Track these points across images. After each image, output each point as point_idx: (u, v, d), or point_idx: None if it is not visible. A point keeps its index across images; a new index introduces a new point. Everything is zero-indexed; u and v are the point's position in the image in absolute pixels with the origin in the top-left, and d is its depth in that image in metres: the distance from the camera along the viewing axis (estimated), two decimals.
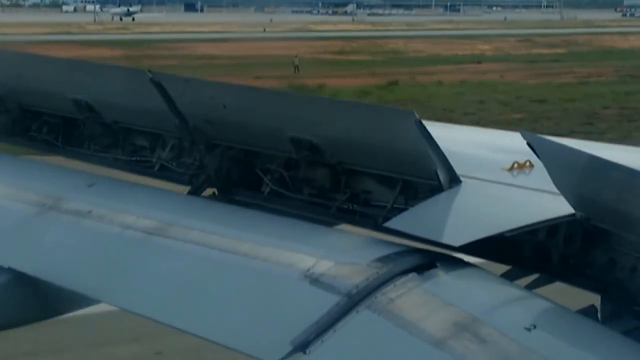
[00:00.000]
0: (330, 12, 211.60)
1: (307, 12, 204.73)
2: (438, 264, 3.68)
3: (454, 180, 4.16)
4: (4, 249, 4.73)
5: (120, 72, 5.88)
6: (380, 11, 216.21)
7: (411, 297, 3.51)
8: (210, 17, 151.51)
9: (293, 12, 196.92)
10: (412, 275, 3.60)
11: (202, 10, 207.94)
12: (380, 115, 4.41)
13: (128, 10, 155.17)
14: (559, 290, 4.12)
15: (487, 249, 3.92)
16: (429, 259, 3.72)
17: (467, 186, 4.17)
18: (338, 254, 3.86)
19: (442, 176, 4.13)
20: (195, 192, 5.11)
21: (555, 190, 3.89)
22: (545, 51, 65.18)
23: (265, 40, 70.94)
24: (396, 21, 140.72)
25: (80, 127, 6.01)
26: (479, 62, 50.13)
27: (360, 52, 60.41)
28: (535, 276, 4.20)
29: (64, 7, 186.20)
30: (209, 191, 5.13)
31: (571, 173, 3.80)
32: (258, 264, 3.93)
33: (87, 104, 5.71)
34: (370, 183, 4.56)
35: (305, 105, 4.81)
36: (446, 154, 4.11)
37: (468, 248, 3.74)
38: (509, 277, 4.09)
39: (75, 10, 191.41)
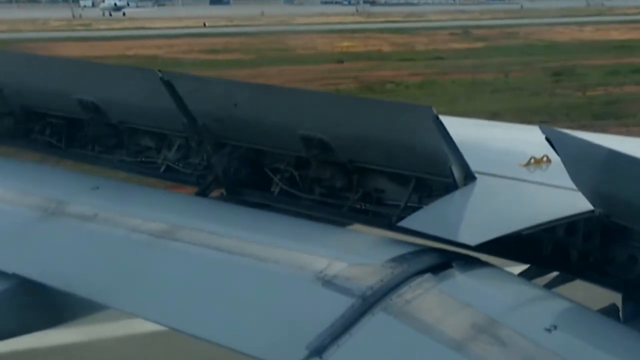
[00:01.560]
0: (362, 1, 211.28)
1: (336, 3, 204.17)
2: (454, 264, 3.70)
3: (469, 177, 4.18)
4: (7, 254, 4.74)
5: (129, 71, 5.90)
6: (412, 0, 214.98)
7: (427, 298, 3.52)
8: (220, 10, 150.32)
9: (322, 3, 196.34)
10: (427, 275, 3.62)
11: (228, 3, 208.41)
12: (396, 111, 4.43)
13: (115, 4, 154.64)
14: (579, 289, 4.15)
15: (504, 247, 3.94)
16: (444, 258, 3.74)
17: (482, 183, 4.20)
18: (351, 255, 3.89)
19: (456, 173, 4.15)
20: (203, 193, 5.14)
21: (574, 186, 3.90)
22: (455, 45, 61.15)
23: (169, 38, 68.30)
24: (406, 12, 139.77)
25: (84, 128, 6.06)
26: (340, 62, 47.95)
27: (239, 50, 57.62)
28: (554, 275, 4.22)
29: (82, 2, 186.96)
30: (217, 192, 5.17)
31: (589, 168, 3.81)
32: (269, 266, 3.95)
33: (94, 104, 5.76)
34: (383, 181, 4.59)
35: (317, 102, 4.83)
36: (461, 149, 4.13)
37: (484, 247, 3.75)
38: (527, 276, 4.11)
39: (93, 5, 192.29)
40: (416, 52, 55.05)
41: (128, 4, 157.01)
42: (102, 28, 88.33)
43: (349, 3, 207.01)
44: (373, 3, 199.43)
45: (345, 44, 60.12)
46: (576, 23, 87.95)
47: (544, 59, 46.29)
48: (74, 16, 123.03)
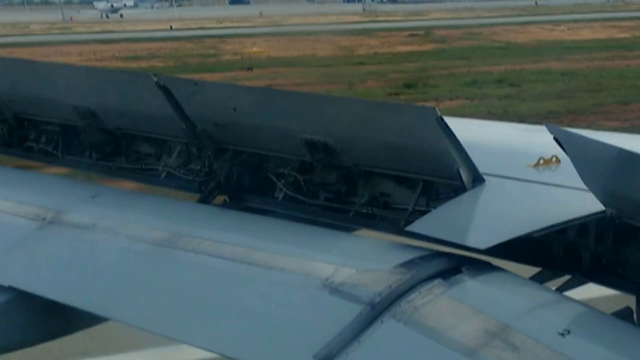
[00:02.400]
0: (385, 0, 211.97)
1: (359, 1, 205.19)
2: (464, 269, 3.71)
3: (478, 179, 4.18)
4: (3, 266, 4.74)
5: (123, 76, 5.89)
6: None
7: (437, 304, 3.52)
8: (227, 11, 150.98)
9: (345, 1, 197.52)
10: (437, 281, 3.62)
11: (249, 3, 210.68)
12: (399, 113, 4.42)
13: (112, 5, 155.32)
14: (592, 292, 4.14)
15: (514, 250, 3.95)
16: (454, 263, 3.74)
17: (491, 185, 4.20)
18: (358, 261, 3.89)
19: (464, 175, 4.15)
20: (205, 199, 5.15)
21: (584, 186, 3.90)
22: (400, 48, 60.46)
23: (116, 42, 67.76)
24: (411, 10, 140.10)
25: (81, 135, 6.03)
26: (249, 69, 47.41)
27: (163, 56, 55.60)
28: (566, 278, 4.21)
29: (95, 4, 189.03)
30: (219, 198, 5.17)
31: (600, 168, 3.80)
32: (275, 274, 3.95)
33: (89, 110, 5.74)
34: (390, 185, 4.58)
35: (319, 105, 4.82)
36: (468, 151, 4.13)
37: (495, 250, 3.75)
38: (538, 279, 4.11)
39: (112, 7, 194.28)
40: (343, 56, 54.94)
41: (125, 5, 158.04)
42: (77, 31, 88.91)
43: (372, 1, 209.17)
44: (394, 1, 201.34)
45: (259, 49, 59.71)
46: (570, 21, 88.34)
47: (465, 64, 46.45)
48: (63, 19, 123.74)
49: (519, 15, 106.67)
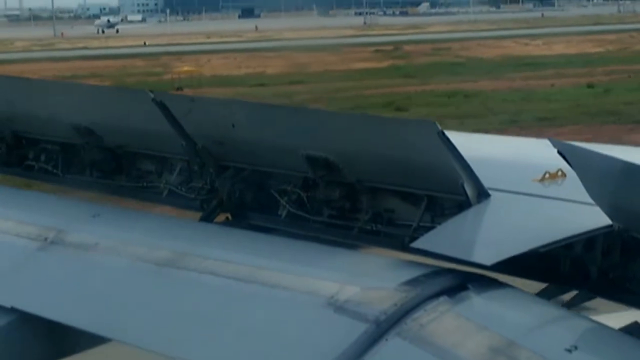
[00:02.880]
0: (397, 12, 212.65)
1: (371, 13, 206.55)
2: (470, 285, 3.72)
3: (483, 194, 4.19)
4: (5, 287, 4.75)
5: (120, 93, 5.89)
6: (441, 10, 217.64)
7: (443, 321, 3.53)
8: (234, 24, 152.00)
9: (356, 14, 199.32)
10: (443, 298, 3.63)
11: (259, 16, 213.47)
12: (399, 127, 4.46)
13: (108, 20, 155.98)
14: (600, 307, 4.13)
15: (521, 266, 3.95)
16: (460, 279, 3.75)
17: (496, 200, 4.20)
18: (363, 278, 3.89)
19: (469, 190, 4.16)
20: (207, 218, 5.14)
21: (591, 200, 3.91)
22: (354, 65, 61.09)
23: (76, 60, 67.99)
24: (409, 23, 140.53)
25: (80, 153, 6.02)
26: (179, 89, 46.78)
27: (103, 75, 55.84)
28: (573, 293, 4.21)
29: (102, 18, 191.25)
30: (222, 216, 5.17)
31: (606, 182, 3.81)
32: (279, 293, 3.96)
33: (87, 129, 5.74)
34: (394, 201, 4.59)
35: (319, 120, 4.84)
36: (472, 166, 4.14)
37: (501, 266, 3.75)
38: (545, 295, 4.11)
39: (121, 21, 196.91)
40: (286, 74, 55.10)
41: (122, 20, 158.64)
42: (54, 48, 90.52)
43: (384, 13, 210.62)
44: (405, 14, 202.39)
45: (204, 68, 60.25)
46: (557, 34, 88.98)
47: (394, 84, 46.80)
48: (54, 35, 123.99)
49: (512, 29, 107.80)
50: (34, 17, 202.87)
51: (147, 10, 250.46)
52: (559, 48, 72.50)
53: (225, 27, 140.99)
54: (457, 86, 44.74)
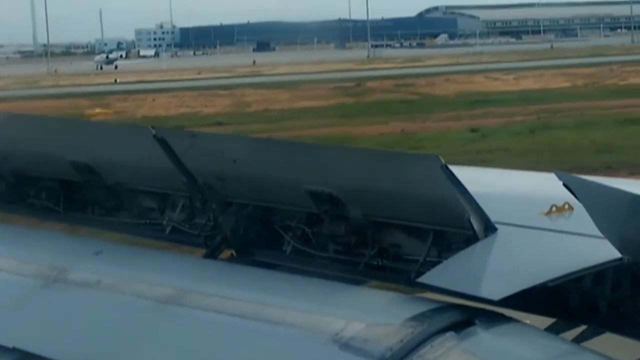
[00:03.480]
0: (414, 44, 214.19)
1: (387, 45, 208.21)
2: (477, 321, 3.70)
3: (489, 228, 4.19)
4: (6, 326, 4.71)
5: (120, 130, 5.89)
6: (458, 42, 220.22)
7: (450, 358, 3.51)
8: (243, 58, 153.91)
9: (373, 46, 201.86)
10: (449, 334, 3.61)
11: (274, 50, 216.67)
12: (403, 162, 4.47)
13: (107, 56, 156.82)
14: (610, 343, 4.11)
15: (529, 301, 3.95)
16: (466, 315, 3.73)
17: (503, 234, 4.20)
18: (368, 315, 3.88)
19: (476, 224, 4.16)
20: (211, 254, 5.14)
21: (599, 233, 3.90)
22: (300, 104, 60.06)
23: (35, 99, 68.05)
24: (410, 56, 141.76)
25: (81, 190, 6.03)
26: None
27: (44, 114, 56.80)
28: (582, 328, 4.20)
29: (114, 54, 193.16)
30: (226, 253, 5.16)
31: (614, 214, 3.81)
32: (283, 330, 3.94)
33: (88, 166, 5.75)
34: (399, 236, 4.59)
35: (322, 155, 4.87)
36: (478, 199, 4.14)
37: (508, 301, 3.75)
38: (554, 330, 4.11)
39: (127, 56, 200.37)
40: (218, 114, 54.67)
41: (121, 56, 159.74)
42: (34, 86, 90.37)
43: (401, 45, 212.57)
44: (422, 45, 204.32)
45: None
46: (545, 67, 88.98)
47: (314, 125, 45.81)
48: (48, 72, 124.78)
49: (506, 61, 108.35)
50: (48, 53, 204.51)
51: (164, 45, 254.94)
52: (526, 83, 72.19)
53: (229, 61, 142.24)
54: (367, 129, 43.70)
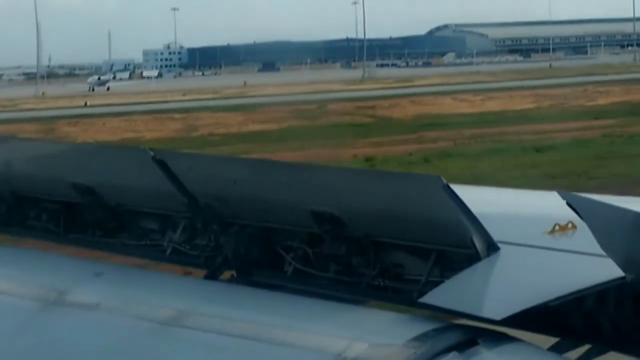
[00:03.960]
0: (420, 63, 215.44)
1: (393, 65, 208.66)
2: (480, 341, 3.69)
3: (492, 247, 4.19)
4: (5, 350, 4.68)
5: (119, 152, 5.91)
6: (466, 60, 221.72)
7: None
8: (241, 79, 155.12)
9: (378, 65, 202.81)
10: (452, 354, 3.60)
11: (278, 70, 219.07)
12: (404, 182, 4.48)
13: (99, 78, 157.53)
14: None
15: (532, 320, 3.95)
16: (469, 335, 3.72)
17: (506, 253, 4.20)
18: (371, 335, 3.86)
19: (478, 244, 4.16)
20: (212, 275, 5.12)
21: (602, 252, 3.90)
22: (253, 127, 61.06)
23: None
24: (403, 76, 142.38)
25: (82, 212, 6.03)
26: None
27: None
28: (586, 347, 4.19)
29: (118, 75, 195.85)
30: (227, 274, 5.16)
31: (618, 233, 3.81)
32: (285, 351, 3.93)
33: (87, 187, 5.75)
34: (401, 256, 4.59)
35: (323, 176, 4.86)
36: (480, 219, 4.14)
37: (511, 321, 3.74)
38: (557, 350, 4.11)
39: (130, 77, 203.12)
40: (143, 141, 54.98)
41: (113, 77, 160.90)
42: (9, 109, 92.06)
43: (407, 65, 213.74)
44: (429, 64, 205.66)
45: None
46: (523, 87, 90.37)
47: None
48: (35, 94, 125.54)
49: (494, 81, 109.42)
50: (50, 75, 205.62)
51: (171, 65, 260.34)
52: (488, 105, 72.79)
53: (226, 82, 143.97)
54: (287, 154, 43.83)
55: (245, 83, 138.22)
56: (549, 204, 4.85)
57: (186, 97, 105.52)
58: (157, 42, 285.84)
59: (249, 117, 68.23)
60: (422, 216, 4.33)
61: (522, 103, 72.92)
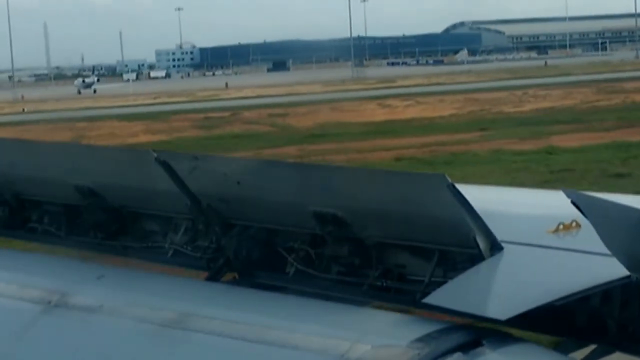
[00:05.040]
0: (431, 62, 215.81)
1: (403, 63, 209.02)
2: (484, 341, 3.67)
3: (495, 247, 4.17)
4: (7, 352, 4.70)
5: (122, 153, 5.91)
6: (479, 58, 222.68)
7: None
8: (251, 79, 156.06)
9: (388, 64, 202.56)
10: (457, 355, 3.59)
11: (288, 69, 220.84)
12: (408, 181, 4.47)
13: (83, 80, 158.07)
14: None
15: (536, 320, 3.92)
16: (474, 335, 3.71)
17: (510, 253, 4.18)
18: (374, 336, 3.85)
19: (481, 243, 4.14)
20: (214, 277, 5.11)
21: (607, 251, 3.87)
22: (142, 138, 58.96)
23: None
24: (393, 76, 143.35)
25: (84, 214, 6.01)
26: None
27: None
28: (591, 347, 4.18)
29: (125, 76, 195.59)
30: (229, 275, 5.15)
31: (623, 231, 3.79)
32: (288, 353, 3.92)
33: (90, 189, 5.75)
34: (404, 256, 4.57)
35: (326, 176, 4.84)
36: (484, 218, 4.13)
37: (516, 321, 3.73)
38: (562, 350, 4.09)
39: (137, 78, 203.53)
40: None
41: (98, 80, 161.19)
42: None
43: (417, 63, 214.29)
44: (440, 62, 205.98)
45: None
46: (488, 89, 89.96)
47: None
48: (14, 98, 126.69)
49: (469, 82, 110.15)
50: (58, 76, 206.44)
51: (183, 65, 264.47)
52: (405, 112, 70.98)
53: (220, 83, 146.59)
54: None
55: (227, 85, 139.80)
56: (552, 203, 4.84)
57: (147, 102, 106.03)
58: (171, 42, 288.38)
59: (150, 127, 67.69)
60: (425, 216, 4.31)
61: (441, 110, 70.78)
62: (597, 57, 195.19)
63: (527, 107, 69.67)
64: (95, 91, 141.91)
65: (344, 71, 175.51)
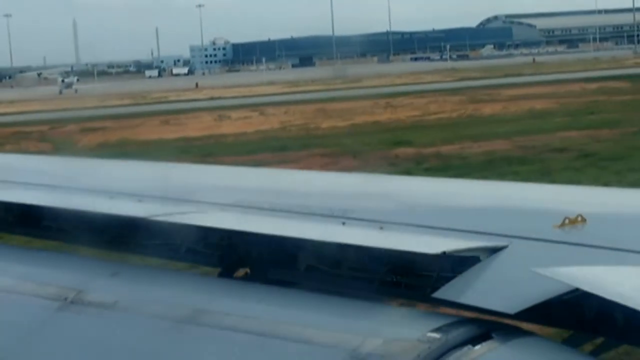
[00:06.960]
0: (455, 56, 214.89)
1: (425, 58, 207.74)
2: (494, 334, 3.70)
3: (503, 241, 4.22)
4: (23, 350, 4.76)
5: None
6: (501, 53, 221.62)
7: None
8: (256, 77, 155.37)
9: (411, 59, 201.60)
10: (467, 348, 3.62)
11: (314, 65, 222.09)
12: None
13: (63, 80, 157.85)
14: (628, 355, 4.09)
15: (545, 314, 3.95)
16: (483, 329, 3.74)
17: (517, 247, 4.23)
18: (385, 331, 3.88)
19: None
20: (226, 273, 5.17)
21: (612, 245, 3.93)
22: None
23: None
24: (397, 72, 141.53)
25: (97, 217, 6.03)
26: None
27: None
28: (600, 340, 4.18)
29: (147, 72, 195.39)
30: (241, 272, 5.20)
31: None
32: (300, 347, 3.96)
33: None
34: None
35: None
36: (490, 213, 4.17)
37: (525, 314, 3.77)
38: (571, 343, 4.09)
39: (159, 75, 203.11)
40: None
41: (78, 80, 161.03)
42: None
43: (441, 58, 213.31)
44: (465, 57, 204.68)
45: None
46: (451, 90, 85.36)
47: None
48: None
49: (458, 80, 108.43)
50: (84, 73, 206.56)
51: (216, 61, 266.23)
52: (225, 127, 63.77)
53: (222, 81, 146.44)
54: None
55: (197, 85, 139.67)
56: (558, 198, 4.86)
57: (101, 104, 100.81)
58: (206, 37, 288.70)
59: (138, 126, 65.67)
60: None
61: (385, 116, 63.75)
62: (621, 51, 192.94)
63: (383, 117, 61.73)
64: (76, 91, 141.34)
65: (349, 69, 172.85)
